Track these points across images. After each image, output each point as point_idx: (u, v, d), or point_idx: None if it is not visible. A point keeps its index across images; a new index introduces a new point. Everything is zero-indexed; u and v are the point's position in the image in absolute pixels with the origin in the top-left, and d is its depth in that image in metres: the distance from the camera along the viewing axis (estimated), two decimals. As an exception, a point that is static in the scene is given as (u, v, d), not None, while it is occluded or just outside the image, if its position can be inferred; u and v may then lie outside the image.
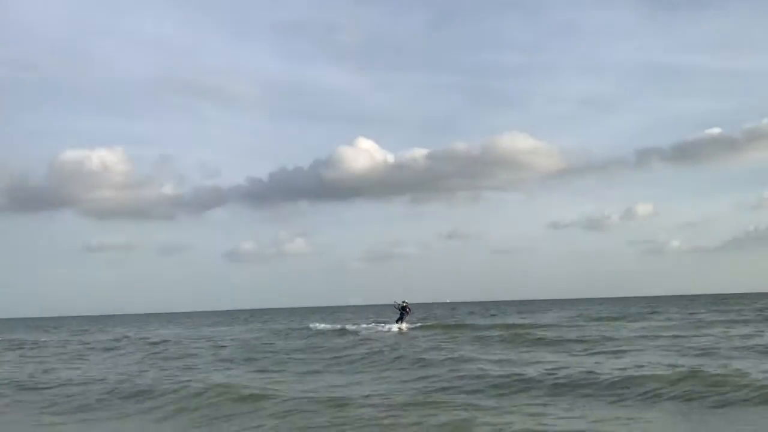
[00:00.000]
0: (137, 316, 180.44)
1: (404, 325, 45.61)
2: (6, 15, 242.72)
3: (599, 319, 53.43)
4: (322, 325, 52.04)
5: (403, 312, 46.03)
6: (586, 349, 25.74)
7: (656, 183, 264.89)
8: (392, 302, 47.98)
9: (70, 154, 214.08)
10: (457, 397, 15.26)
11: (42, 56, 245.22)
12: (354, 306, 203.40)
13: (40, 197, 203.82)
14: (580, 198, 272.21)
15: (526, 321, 53.09)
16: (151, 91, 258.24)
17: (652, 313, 62.39)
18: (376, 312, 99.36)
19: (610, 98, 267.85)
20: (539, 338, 31.44)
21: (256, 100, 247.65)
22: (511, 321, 53.96)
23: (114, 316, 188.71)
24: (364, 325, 50.20)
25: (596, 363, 20.15)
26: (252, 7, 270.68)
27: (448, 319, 61.67)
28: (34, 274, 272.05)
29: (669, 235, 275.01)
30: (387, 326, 46.52)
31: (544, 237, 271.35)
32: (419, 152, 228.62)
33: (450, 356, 23.63)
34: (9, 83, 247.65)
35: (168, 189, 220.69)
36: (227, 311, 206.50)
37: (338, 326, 50.26)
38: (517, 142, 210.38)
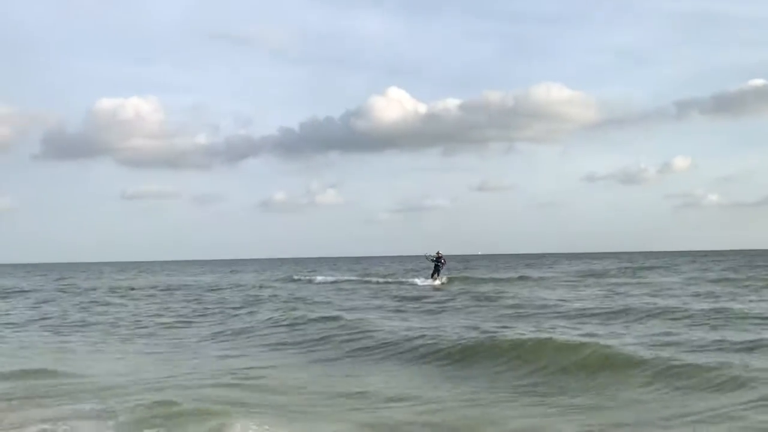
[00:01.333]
0: (177, 263, 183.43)
1: (443, 279, 43.85)
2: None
3: (600, 275, 50.53)
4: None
5: (438, 264, 43.49)
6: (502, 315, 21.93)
7: (695, 136, 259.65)
8: (424, 254, 45.52)
9: (106, 103, 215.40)
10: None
11: (78, 4, 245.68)
12: (384, 257, 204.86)
13: (76, 145, 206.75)
14: (617, 151, 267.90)
15: (509, 276, 49.80)
16: (186, 39, 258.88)
17: (658, 268, 59.24)
18: (405, 263, 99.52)
19: (650, 48, 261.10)
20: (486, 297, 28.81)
21: (289, 48, 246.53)
22: (501, 276, 51.66)
23: (152, 262, 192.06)
24: (395, 279, 48.17)
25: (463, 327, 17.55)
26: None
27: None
28: (71, 221, 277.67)
29: (707, 189, 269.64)
30: (422, 280, 43.90)
31: (579, 190, 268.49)
32: (452, 102, 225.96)
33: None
34: (44, 32, 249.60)
35: (202, 138, 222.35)
36: (261, 260, 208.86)
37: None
38: (552, 92, 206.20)
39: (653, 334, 15.46)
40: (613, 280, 41.46)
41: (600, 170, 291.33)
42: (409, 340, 15.42)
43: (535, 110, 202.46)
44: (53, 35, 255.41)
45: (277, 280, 53.19)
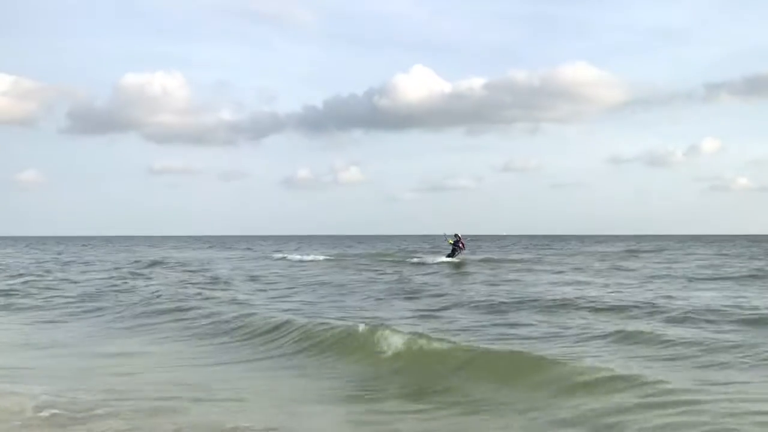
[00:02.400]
0: (201, 238, 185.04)
1: (456, 260, 42.19)
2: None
3: (603, 257, 48.97)
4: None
5: (455, 247, 41.39)
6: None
7: (724, 118, 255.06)
8: (442, 234, 43.55)
9: (132, 78, 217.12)
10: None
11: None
12: (407, 236, 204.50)
13: (103, 120, 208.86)
14: (644, 132, 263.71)
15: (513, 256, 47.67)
16: (211, 16, 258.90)
17: (649, 252, 56.93)
18: (428, 242, 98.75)
19: (680, 28, 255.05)
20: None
21: (314, 26, 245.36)
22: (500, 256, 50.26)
23: (175, 237, 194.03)
24: (416, 260, 46.58)
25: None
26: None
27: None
28: (98, 195, 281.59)
29: (736, 172, 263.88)
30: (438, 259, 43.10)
31: (605, 172, 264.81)
32: (476, 81, 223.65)
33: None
34: (73, 7, 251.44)
35: (226, 114, 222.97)
36: (284, 236, 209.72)
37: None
38: (578, 72, 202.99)
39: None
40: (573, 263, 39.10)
41: (626, 152, 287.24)
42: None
43: (561, 90, 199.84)
44: (80, 11, 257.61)
45: (257, 258, 52.51)
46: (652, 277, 26.87)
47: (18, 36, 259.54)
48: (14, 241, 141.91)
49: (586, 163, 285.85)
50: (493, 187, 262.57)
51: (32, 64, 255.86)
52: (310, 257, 51.61)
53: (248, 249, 77.68)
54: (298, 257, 51.01)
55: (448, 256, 41.64)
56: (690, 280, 25.59)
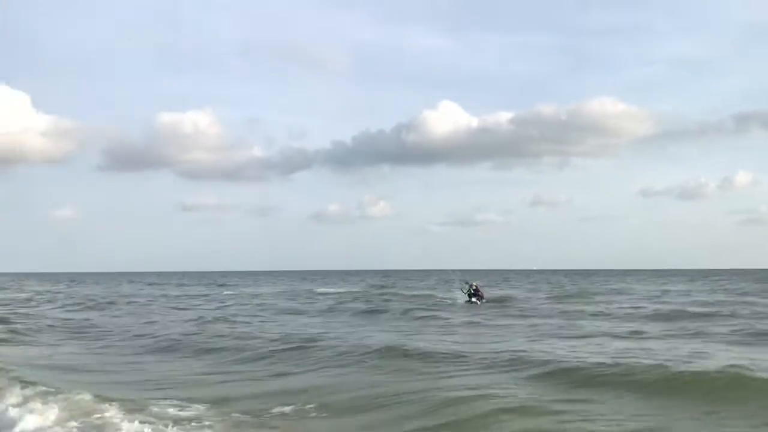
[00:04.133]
0: (239, 273, 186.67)
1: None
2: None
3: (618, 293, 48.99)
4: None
5: (472, 298, 37.45)
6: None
7: (757, 150, 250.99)
8: (457, 281, 40.02)
9: (165, 117, 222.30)
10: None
11: (139, 20, 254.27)
12: (434, 270, 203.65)
13: (137, 158, 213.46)
14: (674, 165, 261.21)
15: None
16: (242, 54, 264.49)
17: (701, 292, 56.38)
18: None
19: (710, 60, 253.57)
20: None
21: (342, 63, 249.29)
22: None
23: (212, 273, 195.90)
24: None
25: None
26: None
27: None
28: (132, 230, 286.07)
29: None
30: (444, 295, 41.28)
31: (634, 205, 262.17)
32: (504, 116, 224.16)
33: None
34: (108, 47, 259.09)
35: (257, 151, 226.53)
36: (316, 271, 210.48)
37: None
38: (606, 106, 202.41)
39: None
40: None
41: (657, 185, 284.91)
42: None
43: (589, 124, 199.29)
44: (114, 53, 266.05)
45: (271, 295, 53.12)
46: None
47: (55, 77, 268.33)
48: (54, 277, 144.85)
49: (617, 197, 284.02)
50: (522, 221, 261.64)
51: (69, 104, 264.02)
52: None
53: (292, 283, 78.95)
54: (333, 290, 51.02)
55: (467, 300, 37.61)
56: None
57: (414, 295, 46.59)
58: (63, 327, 26.76)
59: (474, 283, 38.71)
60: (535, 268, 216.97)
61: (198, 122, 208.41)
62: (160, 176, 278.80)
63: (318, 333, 21.63)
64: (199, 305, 40.22)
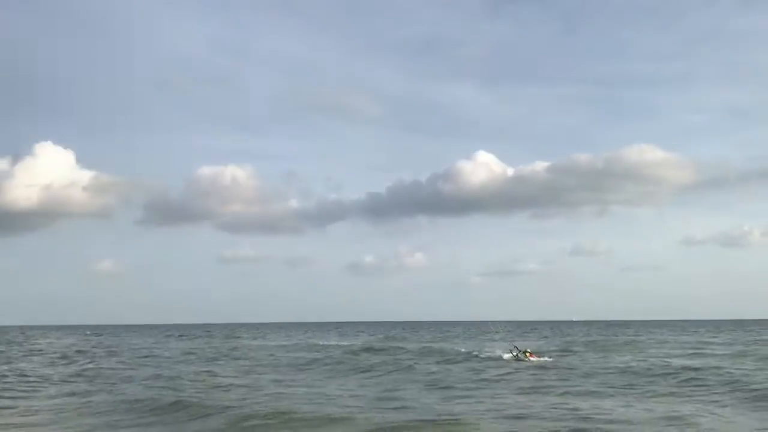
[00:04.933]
0: (276, 324, 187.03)
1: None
2: (146, 35, 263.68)
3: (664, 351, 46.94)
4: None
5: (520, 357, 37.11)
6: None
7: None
8: (511, 349, 38.68)
9: (205, 171, 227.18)
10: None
11: (178, 76, 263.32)
12: (475, 321, 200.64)
13: (177, 211, 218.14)
14: (716, 212, 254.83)
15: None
16: (280, 109, 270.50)
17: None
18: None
19: (749, 106, 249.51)
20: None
21: (378, 114, 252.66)
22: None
23: (256, 324, 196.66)
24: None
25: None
26: (378, 24, 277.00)
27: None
28: (172, 283, 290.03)
29: None
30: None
31: (677, 254, 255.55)
32: (540, 165, 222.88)
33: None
34: (148, 102, 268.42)
35: (294, 203, 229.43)
36: (350, 323, 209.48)
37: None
38: (645, 153, 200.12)
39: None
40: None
41: (699, 233, 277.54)
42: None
43: (628, 172, 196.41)
44: (155, 110, 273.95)
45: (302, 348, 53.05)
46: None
47: (98, 133, 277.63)
48: (100, 329, 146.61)
49: (658, 246, 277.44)
50: (562, 271, 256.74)
51: (110, 160, 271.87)
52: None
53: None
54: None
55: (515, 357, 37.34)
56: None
57: (426, 349, 45.33)
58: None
59: (527, 351, 38.15)
60: (575, 319, 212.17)
61: (236, 175, 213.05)
62: (199, 229, 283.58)
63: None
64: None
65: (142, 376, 28.32)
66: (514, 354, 38.01)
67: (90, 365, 35.77)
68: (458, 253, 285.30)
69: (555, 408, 17.61)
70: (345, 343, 57.04)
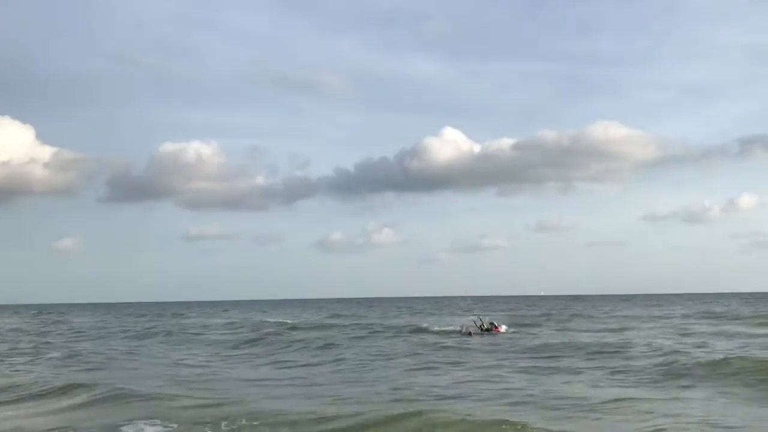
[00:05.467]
0: (242, 302, 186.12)
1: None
2: (107, 9, 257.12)
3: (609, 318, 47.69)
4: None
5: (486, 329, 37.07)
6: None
7: (761, 173, 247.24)
8: (469, 315, 39.06)
9: (169, 147, 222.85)
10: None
11: (140, 51, 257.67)
12: (443, 297, 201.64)
13: (140, 188, 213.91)
14: (678, 189, 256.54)
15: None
16: (244, 84, 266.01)
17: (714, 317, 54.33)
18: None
19: (712, 84, 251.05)
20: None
21: (345, 91, 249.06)
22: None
23: (220, 302, 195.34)
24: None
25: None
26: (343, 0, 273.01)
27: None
28: (135, 261, 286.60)
29: None
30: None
31: (640, 229, 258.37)
32: (506, 142, 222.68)
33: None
34: (109, 77, 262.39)
35: (260, 180, 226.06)
36: (321, 300, 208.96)
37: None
38: (609, 130, 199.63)
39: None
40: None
41: (661, 209, 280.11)
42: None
43: (592, 149, 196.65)
44: (118, 84, 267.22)
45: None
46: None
47: (58, 109, 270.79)
48: (67, 308, 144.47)
49: (621, 221, 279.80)
50: (528, 247, 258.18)
51: (72, 136, 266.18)
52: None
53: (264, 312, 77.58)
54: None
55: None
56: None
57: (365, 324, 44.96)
58: None
59: (492, 322, 38.38)
60: (542, 294, 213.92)
61: (201, 152, 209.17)
62: (163, 206, 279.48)
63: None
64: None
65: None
66: (479, 325, 37.94)
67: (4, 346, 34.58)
68: (426, 229, 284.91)
69: (431, 387, 16.90)
70: (289, 321, 56.19)
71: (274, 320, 57.72)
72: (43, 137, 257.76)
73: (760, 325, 41.15)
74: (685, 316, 54.39)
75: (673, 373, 19.22)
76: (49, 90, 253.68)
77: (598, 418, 13.01)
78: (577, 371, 20.46)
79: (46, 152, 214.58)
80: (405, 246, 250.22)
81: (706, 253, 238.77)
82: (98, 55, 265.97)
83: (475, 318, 39.42)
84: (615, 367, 21.01)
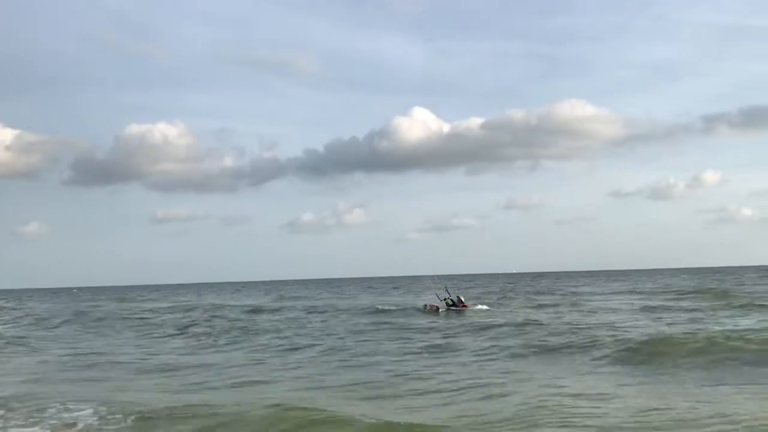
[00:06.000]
0: (204, 285, 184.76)
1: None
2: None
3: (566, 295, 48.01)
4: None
5: (453, 308, 36.52)
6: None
7: (725, 150, 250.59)
8: (442, 290, 38.00)
9: (134, 129, 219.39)
10: None
11: (105, 31, 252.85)
12: (415, 276, 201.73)
13: (106, 171, 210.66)
14: (644, 166, 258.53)
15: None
16: (212, 65, 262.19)
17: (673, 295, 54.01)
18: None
19: (678, 63, 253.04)
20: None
21: (313, 71, 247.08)
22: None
23: (187, 285, 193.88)
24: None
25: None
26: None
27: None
28: (102, 245, 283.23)
29: (740, 203, 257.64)
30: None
31: (607, 206, 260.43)
32: (475, 121, 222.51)
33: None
34: (74, 58, 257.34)
35: (228, 161, 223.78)
36: (291, 281, 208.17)
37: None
38: (576, 109, 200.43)
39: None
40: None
41: (627, 186, 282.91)
42: None
43: (560, 127, 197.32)
44: (83, 65, 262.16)
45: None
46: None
47: (20, 90, 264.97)
48: (32, 293, 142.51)
49: (589, 199, 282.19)
50: (498, 225, 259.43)
51: (35, 118, 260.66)
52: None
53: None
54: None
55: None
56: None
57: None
58: None
59: (461, 297, 38.04)
60: (514, 271, 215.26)
61: (167, 133, 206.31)
62: (130, 188, 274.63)
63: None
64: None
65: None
66: (444, 299, 37.40)
67: None
68: (397, 209, 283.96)
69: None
70: (238, 303, 55.48)
71: (226, 303, 56.82)
72: (4, 119, 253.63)
73: (692, 299, 41.40)
74: (630, 292, 54.64)
75: (567, 349, 19.16)
76: (11, 71, 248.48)
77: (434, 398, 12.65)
78: (460, 349, 20.27)
79: (7, 135, 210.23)
80: (376, 226, 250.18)
81: (672, 228, 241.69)
82: (62, 35, 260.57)
83: (440, 292, 38.84)
84: (509, 346, 20.75)
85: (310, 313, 40.11)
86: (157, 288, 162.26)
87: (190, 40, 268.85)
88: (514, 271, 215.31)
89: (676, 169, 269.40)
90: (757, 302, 35.02)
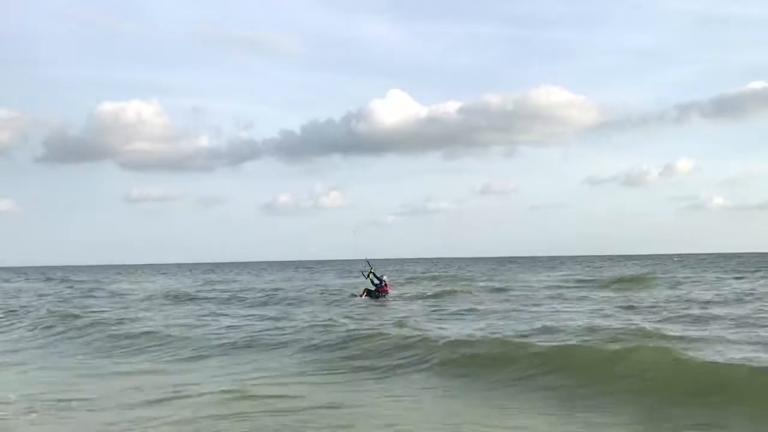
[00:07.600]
0: (182, 265, 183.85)
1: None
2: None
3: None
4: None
5: (374, 289, 33.43)
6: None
7: (697, 139, 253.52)
8: (365, 265, 34.50)
9: (108, 106, 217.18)
10: None
11: (78, 7, 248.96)
12: (390, 259, 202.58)
13: (79, 149, 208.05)
14: (618, 154, 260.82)
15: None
16: (189, 43, 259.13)
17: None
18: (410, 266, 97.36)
19: (655, 50, 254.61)
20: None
21: (290, 51, 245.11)
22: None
23: (156, 265, 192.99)
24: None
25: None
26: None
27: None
28: (74, 224, 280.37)
29: (711, 191, 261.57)
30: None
31: (581, 193, 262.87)
32: (452, 105, 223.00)
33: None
34: (46, 35, 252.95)
35: (204, 141, 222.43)
36: (270, 262, 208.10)
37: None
38: (552, 95, 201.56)
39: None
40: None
41: (602, 173, 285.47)
42: None
43: (536, 113, 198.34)
44: (56, 41, 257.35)
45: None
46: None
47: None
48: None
49: (564, 185, 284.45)
50: (473, 210, 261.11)
51: (6, 94, 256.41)
52: None
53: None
54: None
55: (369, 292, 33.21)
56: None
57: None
58: None
59: (384, 277, 34.23)
60: (491, 256, 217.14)
61: (142, 111, 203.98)
62: (104, 167, 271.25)
63: None
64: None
65: None
66: (365, 273, 33.91)
67: None
68: (373, 192, 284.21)
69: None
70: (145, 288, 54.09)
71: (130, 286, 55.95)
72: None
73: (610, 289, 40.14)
74: (560, 281, 52.47)
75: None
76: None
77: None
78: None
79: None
80: (353, 209, 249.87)
81: (645, 215, 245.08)
82: (33, 10, 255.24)
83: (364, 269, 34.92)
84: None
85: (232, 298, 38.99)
86: (135, 268, 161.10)
87: (167, 18, 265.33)
88: (485, 256, 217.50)
89: (649, 156, 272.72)
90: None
